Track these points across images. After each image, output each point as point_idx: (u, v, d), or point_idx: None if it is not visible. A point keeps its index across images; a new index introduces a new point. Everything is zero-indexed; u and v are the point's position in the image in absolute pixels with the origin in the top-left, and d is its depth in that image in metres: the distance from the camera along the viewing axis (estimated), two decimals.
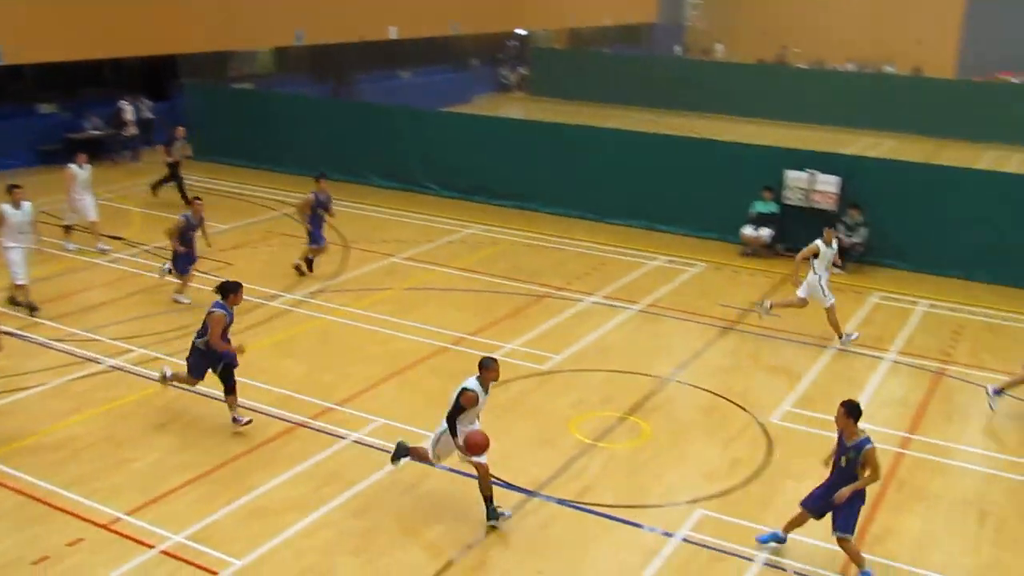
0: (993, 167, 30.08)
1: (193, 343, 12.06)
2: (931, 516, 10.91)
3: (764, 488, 11.33)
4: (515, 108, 40.53)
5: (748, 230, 20.31)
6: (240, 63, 34.82)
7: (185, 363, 12.26)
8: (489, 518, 10.17)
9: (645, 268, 19.37)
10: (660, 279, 18.70)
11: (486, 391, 10.10)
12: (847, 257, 19.45)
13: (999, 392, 13.34)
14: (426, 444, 10.56)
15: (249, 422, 12.09)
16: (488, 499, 10.15)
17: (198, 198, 17.07)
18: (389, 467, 10.88)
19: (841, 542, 9.54)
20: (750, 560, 9.92)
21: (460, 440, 10.02)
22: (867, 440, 9.40)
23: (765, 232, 20.22)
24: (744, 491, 11.26)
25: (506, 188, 23.58)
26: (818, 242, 15.69)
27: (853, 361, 15.13)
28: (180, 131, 22.94)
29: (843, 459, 9.48)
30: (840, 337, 15.65)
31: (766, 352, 15.38)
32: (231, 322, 11.95)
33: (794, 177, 20.13)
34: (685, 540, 10.22)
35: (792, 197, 20.16)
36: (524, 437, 12.27)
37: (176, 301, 16.32)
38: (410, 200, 23.83)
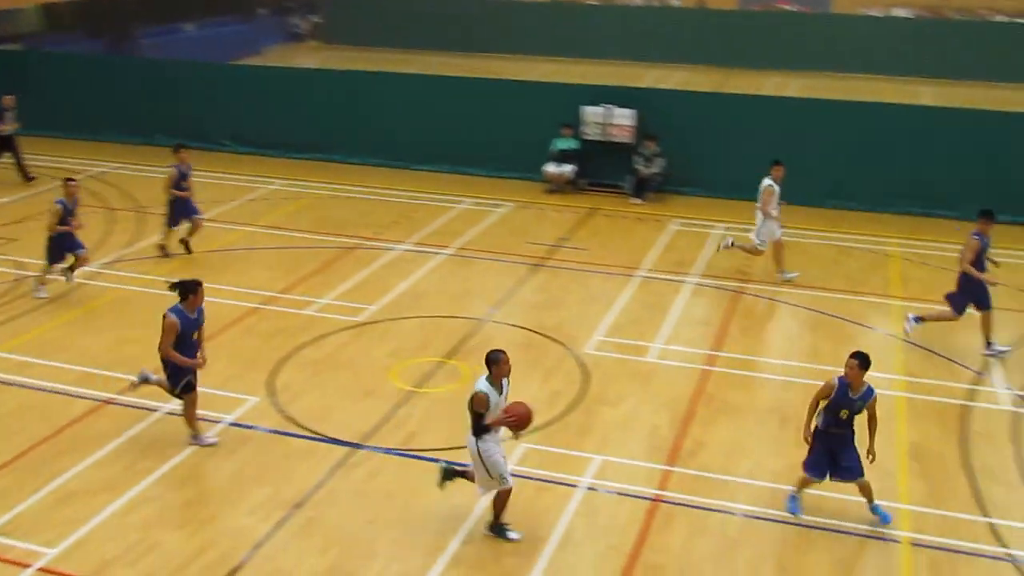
0: (776, 93, 31.63)
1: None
2: (738, 426, 11.54)
3: (583, 417, 11.68)
4: (309, 58, 39.49)
5: (551, 167, 20.64)
6: (3, 21, 32.31)
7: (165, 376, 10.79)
8: (493, 530, 9.46)
9: (452, 212, 19.41)
10: (468, 222, 18.80)
11: (500, 388, 9.07)
12: (646, 187, 20.13)
13: (919, 320, 13.91)
14: (484, 491, 9.34)
15: (213, 442, 10.89)
16: (498, 515, 9.41)
17: (71, 179, 15.19)
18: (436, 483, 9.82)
19: (862, 487, 9.58)
20: (574, 486, 10.23)
21: (501, 429, 9.20)
22: (871, 388, 9.34)
23: (568, 168, 20.60)
24: (564, 422, 11.58)
25: (305, 140, 23.02)
26: (767, 181, 15.95)
27: (658, 287, 15.72)
28: (8, 100, 20.27)
29: (843, 412, 9.33)
30: (780, 272, 16.04)
31: (576, 285, 15.77)
32: (195, 328, 10.54)
33: (591, 113, 20.55)
34: (512, 475, 10.40)
35: (591, 132, 20.59)
36: (344, 390, 12.17)
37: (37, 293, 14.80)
38: (203, 158, 22.74)
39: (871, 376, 12.50)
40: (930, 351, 13.55)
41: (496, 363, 8.99)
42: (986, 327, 13.42)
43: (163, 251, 16.47)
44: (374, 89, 22.74)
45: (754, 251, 16.14)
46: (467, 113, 21.79)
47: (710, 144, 20.40)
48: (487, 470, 9.11)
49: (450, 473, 9.62)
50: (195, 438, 10.86)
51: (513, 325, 14.17)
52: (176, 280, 10.68)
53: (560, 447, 10.97)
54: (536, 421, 11.28)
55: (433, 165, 22.15)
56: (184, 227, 16.53)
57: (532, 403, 11.73)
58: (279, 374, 12.50)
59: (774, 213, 15.79)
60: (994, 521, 9.77)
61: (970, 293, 13.36)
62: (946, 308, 13.64)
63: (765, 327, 14.37)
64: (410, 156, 22.34)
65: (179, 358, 10.41)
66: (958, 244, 15.43)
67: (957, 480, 10.52)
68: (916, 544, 9.43)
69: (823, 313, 14.78)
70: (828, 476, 9.58)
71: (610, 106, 20.44)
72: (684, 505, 9.99)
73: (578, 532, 9.50)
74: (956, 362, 13.25)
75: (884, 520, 9.61)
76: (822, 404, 9.46)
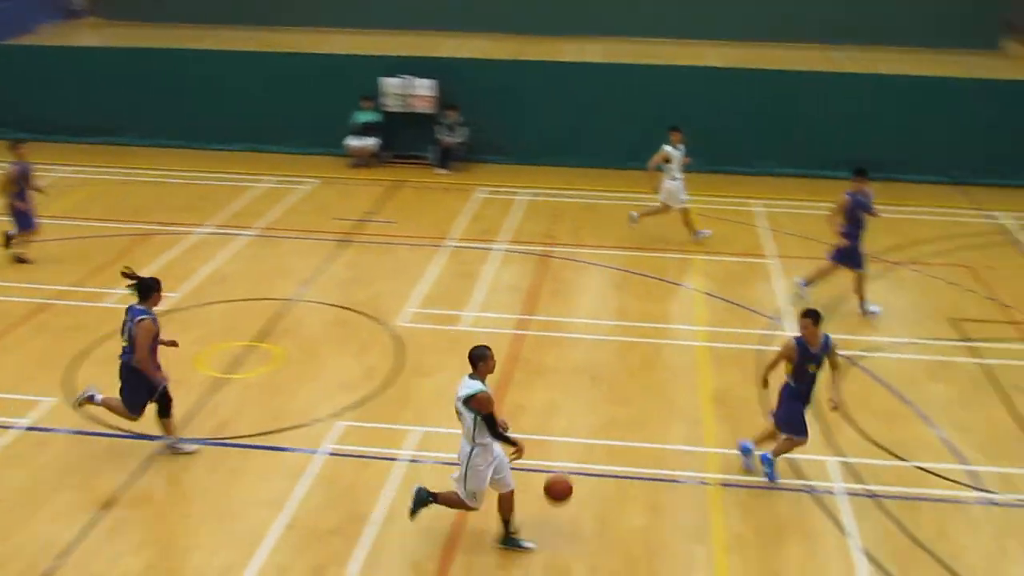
0: (575, 59, 32.23)
1: (124, 361, 9.79)
2: (552, 387, 11.79)
3: (400, 390, 11.65)
4: (88, 35, 37.24)
5: (353, 141, 20.35)
6: None
7: (119, 393, 9.90)
8: (503, 542, 9.01)
9: (254, 192, 18.86)
10: (271, 201, 18.32)
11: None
12: (451, 157, 20.17)
13: (807, 284, 14.23)
14: (454, 487, 8.80)
15: (191, 451, 10.21)
16: (507, 523, 8.98)
17: (21, 140, 13.83)
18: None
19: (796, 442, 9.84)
20: (395, 460, 10.21)
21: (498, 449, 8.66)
22: (828, 337, 9.61)
23: (370, 141, 20.37)
24: (382, 396, 11.51)
25: (90, 123, 21.73)
26: (666, 147, 15.99)
27: (467, 255, 15.81)
28: None
29: (810, 367, 9.57)
30: (694, 234, 16.29)
31: (385, 259, 15.67)
32: (158, 332, 9.76)
33: (390, 84, 20.35)
34: (332, 454, 10.30)
35: (391, 104, 20.40)
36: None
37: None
38: None
39: (678, 328, 13.07)
40: (729, 302, 14.22)
41: (484, 359, 8.57)
42: (859, 288, 13.84)
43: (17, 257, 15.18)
44: (163, 67, 21.68)
45: (660, 210, 16.45)
46: (264, 89, 21.16)
47: (512, 111, 20.61)
48: (465, 481, 8.64)
49: (421, 502, 8.92)
50: (172, 446, 10.14)
51: (324, 303, 13.94)
52: (135, 275, 9.81)
53: (379, 422, 10.92)
54: (353, 397, 11.26)
55: (231, 144, 21.40)
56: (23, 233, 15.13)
57: (347, 380, 11.75)
58: (76, 372, 11.85)
59: (676, 175, 16.06)
60: (793, 456, 10.37)
61: (847, 250, 13.70)
62: (824, 263, 14.04)
63: (574, 289, 14.71)
64: (206, 136, 21.50)
65: (152, 371, 9.67)
66: (753, 199, 16.33)
67: (758, 421, 11.09)
68: (725, 484, 9.92)
69: (629, 272, 15.26)
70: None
71: (409, 77, 20.31)
72: (521, 470, 10.10)
73: (402, 506, 9.45)
74: (752, 310, 13.96)
75: (771, 475, 9.91)
76: (787, 367, 9.72)
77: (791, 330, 13.25)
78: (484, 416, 8.41)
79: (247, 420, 10.92)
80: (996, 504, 9.71)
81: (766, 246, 16.45)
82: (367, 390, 11.59)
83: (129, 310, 9.73)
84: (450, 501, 8.87)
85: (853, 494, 9.79)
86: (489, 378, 11.75)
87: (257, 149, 21.23)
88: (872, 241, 16.60)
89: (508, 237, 16.67)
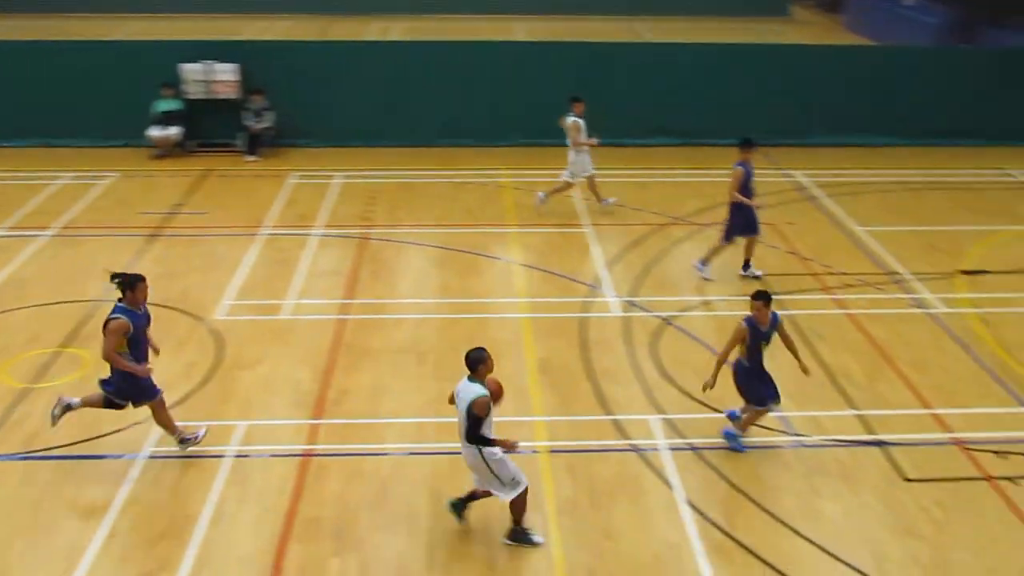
0: (379, 37, 31.97)
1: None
2: (378, 369, 11.70)
3: (222, 385, 11.31)
4: None
5: (155, 131, 19.49)
6: None
7: (101, 388, 9.49)
8: (514, 538, 8.81)
9: (50, 189, 17.81)
10: (69, 198, 17.35)
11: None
12: (259, 142, 19.65)
13: (705, 263, 14.35)
14: (496, 494, 8.58)
15: (203, 435, 9.95)
16: (518, 520, 8.77)
17: None
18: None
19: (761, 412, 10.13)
20: (221, 457, 9.91)
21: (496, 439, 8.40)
22: (776, 315, 9.85)
23: (174, 130, 19.57)
24: (203, 392, 11.15)
25: None
26: (573, 118, 15.96)
27: (283, 243, 15.47)
28: None
29: (762, 344, 9.81)
30: (600, 201, 16.57)
31: (197, 251, 15.13)
32: (146, 326, 9.32)
33: (191, 70, 19.59)
34: (153, 457, 9.91)
35: (193, 91, 19.65)
36: None
37: None
38: None
39: (500, 301, 13.21)
40: (548, 272, 14.46)
41: (483, 361, 8.29)
42: (748, 250, 14.31)
43: None
44: None
45: (566, 186, 16.63)
46: (54, 80, 19.92)
47: (320, 94, 20.24)
48: (496, 476, 8.44)
49: (460, 506, 8.90)
50: (184, 440, 9.78)
51: None
52: (118, 272, 9.32)
53: (201, 419, 10.54)
54: (173, 395, 10.84)
55: (20, 140, 20.11)
56: None
57: (167, 378, 11.27)
58: None
59: (583, 141, 16.18)
60: (617, 418, 10.70)
61: (740, 220, 14.04)
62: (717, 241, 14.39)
63: (394, 269, 14.63)
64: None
65: (126, 364, 9.14)
66: (560, 169, 16.61)
67: (582, 386, 11.38)
68: (554, 451, 10.12)
69: (448, 249, 15.29)
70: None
71: (210, 62, 19.60)
72: (336, 455, 10.01)
73: (230, 503, 9.23)
74: (572, 279, 14.26)
75: (733, 444, 10.17)
76: (740, 349, 9.89)
77: (611, 296, 13.65)
78: (471, 419, 8.21)
79: (60, 430, 10.32)
80: (805, 446, 10.29)
81: (581, 215, 16.81)
82: (187, 388, 11.19)
83: (114, 308, 9.28)
84: (516, 510, 8.63)
85: (676, 449, 10.17)
86: (314, 365, 11.72)
87: (50, 144, 20.06)
88: (679, 205, 17.32)
89: (324, 221, 16.40)
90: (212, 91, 19.65)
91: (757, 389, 10.00)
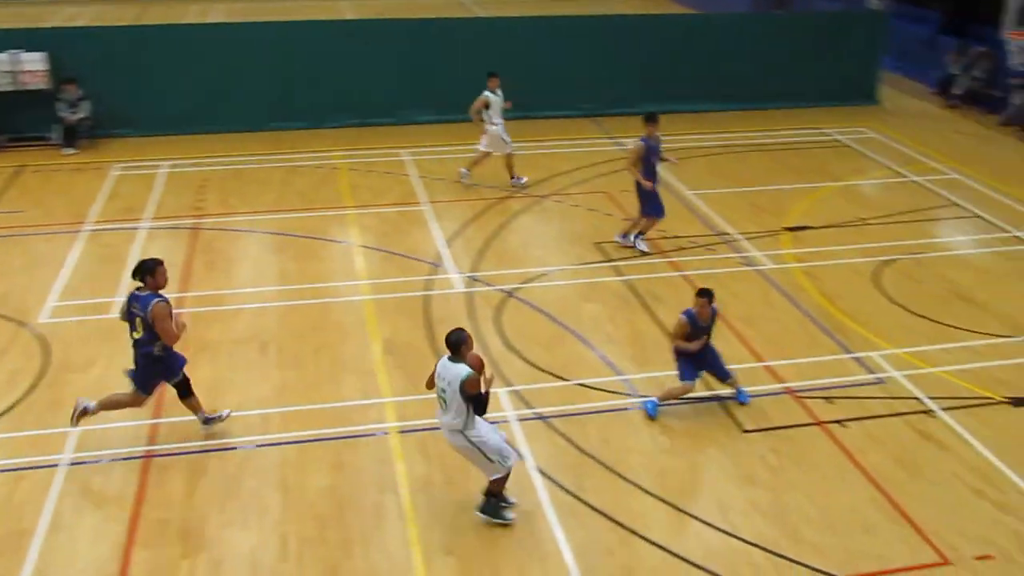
0: (199, 20, 30.88)
1: (142, 352, 9.32)
2: (218, 362, 11.36)
3: (51, 391, 10.76)
4: None
5: None
6: None
7: (130, 378, 9.51)
8: (486, 511, 8.78)
9: None
10: None
11: None
12: (77, 134, 18.72)
13: (637, 236, 14.26)
14: (485, 474, 8.60)
15: (227, 415, 10.05)
16: (495, 493, 8.75)
17: None
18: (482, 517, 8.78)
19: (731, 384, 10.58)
20: (55, 466, 9.44)
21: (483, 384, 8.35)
22: (714, 308, 10.15)
23: None
24: (30, 401, 10.58)
25: None
26: (485, 93, 16.13)
27: (110, 238, 14.80)
28: None
29: (703, 335, 10.15)
30: (512, 179, 16.68)
31: (16, 252, 14.32)
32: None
33: None
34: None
35: None
36: None
37: None
38: None
39: (341, 285, 13.07)
40: (388, 252, 14.35)
41: (465, 342, 8.25)
42: (639, 226, 14.39)
43: None
44: None
45: (482, 158, 16.62)
46: None
47: (139, 81, 19.42)
48: (487, 456, 8.44)
49: (493, 508, 8.77)
50: (209, 420, 9.93)
51: None
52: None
53: (31, 429, 10.03)
54: None
55: None
56: None
57: None
58: None
59: (495, 120, 16.19)
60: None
61: (646, 196, 14.05)
62: (643, 220, 14.37)
63: (230, 258, 14.21)
64: None
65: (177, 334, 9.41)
66: (401, 148, 16.49)
67: (429, 364, 11.20)
68: (404, 431, 10.08)
69: (284, 234, 14.96)
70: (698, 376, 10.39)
71: (16, 51, 18.50)
72: (179, 454, 9.69)
73: (67, 513, 8.81)
74: (413, 258, 14.19)
75: (743, 400, 10.59)
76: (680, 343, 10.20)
77: (453, 273, 13.66)
78: (472, 397, 8.22)
79: None
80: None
81: (419, 193, 16.74)
82: (12, 397, 10.59)
83: (134, 299, 9.29)
84: (498, 485, 8.63)
85: (524, 419, 10.29)
86: None
87: None
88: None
89: (152, 213, 15.77)
90: (20, 82, 18.56)
91: (686, 366, 10.29)
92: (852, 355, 11.63)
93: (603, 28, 21.83)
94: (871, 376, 11.17)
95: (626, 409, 10.53)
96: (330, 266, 14.02)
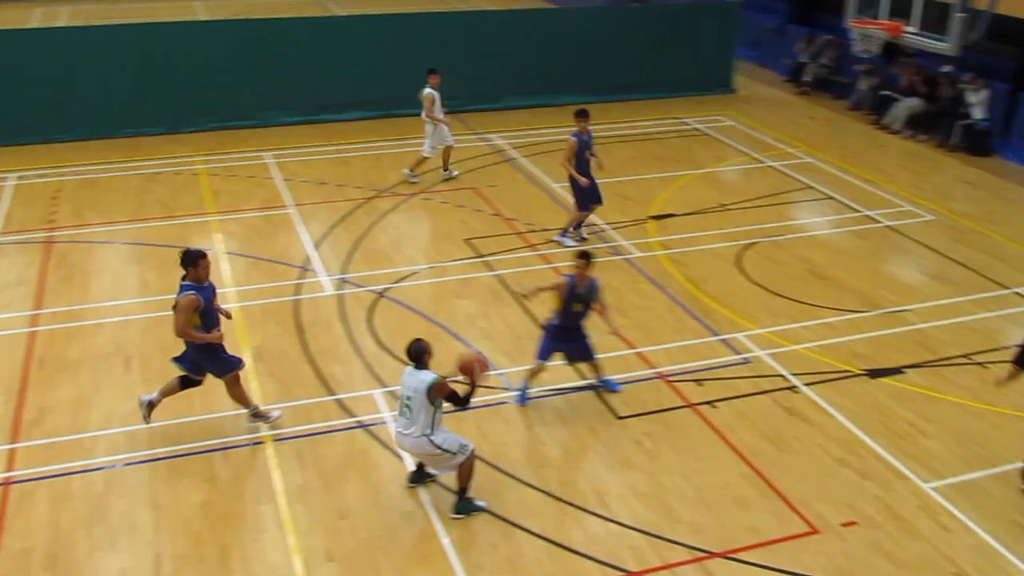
0: (43, 24, 29.61)
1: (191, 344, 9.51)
2: (79, 380, 10.92)
3: None
4: None
5: None
6: None
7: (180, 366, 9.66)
8: (461, 509, 8.85)
9: None
10: None
11: None
12: None
13: (564, 234, 14.44)
14: (449, 470, 8.81)
15: (278, 416, 10.08)
16: (464, 488, 8.86)
17: None
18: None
19: (595, 367, 10.64)
20: None
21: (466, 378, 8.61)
22: (594, 280, 10.17)
23: None
24: None
25: None
26: (429, 90, 16.31)
27: None
28: None
29: (576, 306, 10.12)
30: (445, 170, 17.14)
31: None
32: (213, 298, 9.47)
33: None
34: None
35: None
36: None
37: None
38: None
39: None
40: (255, 258, 14.05)
41: (427, 352, 8.50)
42: (573, 220, 14.54)
43: None
44: None
45: (423, 160, 16.61)
46: None
47: None
48: (451, 452, 8.61)
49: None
50: (258, 416, 9.96)
51: None
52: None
53: None
54: None
55: None
56: None
57: None
58: None
59: (440, 116, 16.46)
60: (340, 397, 10.61)
61: (581, 189, 14.10)
62: (577, 214, 14.49)
63: (87, 272, 13.65)
64: None
65: (199, 335, 9.31)
66: (263, 151, 16.16)
67: (302, 369, 11.18)
68: (279, 439, 9.88)
69: (145, 244, 14.48)
70: (552, 358, 10.45)
71: None
72: (41, 479, 9.28)
73: None
74: (281, 262, 13.92)
75: (614, 388, 10.72)
76: (555, 302, 10.20)
77: (323, 276, 13.47)
78: (447, 398, 8.45)
79: None
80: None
81: (284, 196, 16.42)
82: None
83: (180, 288, 9.40)
84: (464, 476, 8.76)
85: None
86: (5, 385, 10.80)
87: None
88: (381, 178, 17.36)
89: (0, 228, 15.05)
90: None
91: (544, 343, 10.38)
92: (719, 337, 11.96)
93: (464, 24, 21.86)
94: (738, 356, 11.52)
95: (502, 403, 10.57)
96: None
